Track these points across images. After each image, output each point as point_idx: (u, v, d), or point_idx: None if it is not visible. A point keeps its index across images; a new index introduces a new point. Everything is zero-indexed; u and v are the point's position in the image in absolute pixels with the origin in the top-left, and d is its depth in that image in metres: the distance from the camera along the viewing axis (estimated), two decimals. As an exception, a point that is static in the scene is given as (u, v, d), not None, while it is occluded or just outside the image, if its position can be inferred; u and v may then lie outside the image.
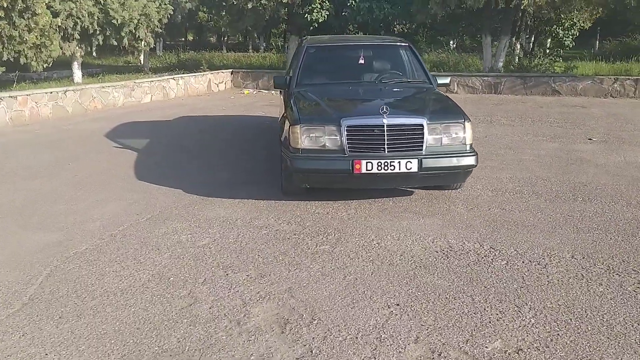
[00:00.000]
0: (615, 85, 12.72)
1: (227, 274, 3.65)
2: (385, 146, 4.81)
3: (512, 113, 11.10)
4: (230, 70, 16.20)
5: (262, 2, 14.07)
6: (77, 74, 14.02)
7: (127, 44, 14.26)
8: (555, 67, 14.98)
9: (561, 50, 16.70)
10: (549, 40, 18.27)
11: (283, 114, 5.68)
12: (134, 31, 13.92)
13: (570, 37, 16.84)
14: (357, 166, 4.76)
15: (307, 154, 4.88)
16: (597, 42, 24.88)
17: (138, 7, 13.64)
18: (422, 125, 4.86)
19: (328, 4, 13.88)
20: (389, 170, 4.77)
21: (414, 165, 4.77)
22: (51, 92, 10.82)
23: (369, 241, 4.22)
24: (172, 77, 14.30)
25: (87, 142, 8.24)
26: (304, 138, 4.88)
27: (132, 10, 13.46)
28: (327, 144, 4.87)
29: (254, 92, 15.25)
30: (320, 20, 13.93)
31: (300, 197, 5.30)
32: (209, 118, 10.66)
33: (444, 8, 13.14)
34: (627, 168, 6.43)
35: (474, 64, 16.07)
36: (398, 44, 6.76)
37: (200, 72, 15.58)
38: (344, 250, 4.05)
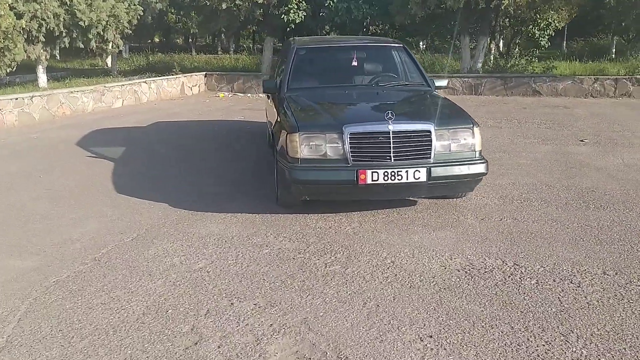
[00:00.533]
0: (596, 85, 12.69)
1: (232, 304, 3.25)
2: (392, 154, 4.49)
3: (497, 114, 10.92)
4: (204, 72, 15.70)
5: (236, 2, 13.61)
6: (42, 78, 13.33)
7: (94, 46, 13.62)
8: (533, 67, 14.93)
9: (537, 51, 16.68)
10: (518, 40, 18.21)
11: (277, 120, 5.30)
12: (102, 33, 13.30)
13: (546, 37, 16.84)
14: (362, 176, 4.42)
15: (307, 164, 4.52)
16: (565, 42, 25.12)
17: (106, 8, 13.04)
18: (429, 131, 4.55)
19: (305, 4, 13.51)
20: (395, 181, 4.45)
21: (422, 175, 4.46)
22: (16, 99, 10.19)
23: (382, 259, 3.88)
24: (143, 80, 13.74)
25: (57, 152, 7.70)
26: (304, 147, 4.52)
27: (99, 11, 12.85)
28: (328, 153, 4.52)
29: (230, 95, 14.79)
30: (297, 21, 13.55)
31: (298, 210, 4.93)
32: (187, 123, 10.18)
33: (424, 8, 12.93)
34: (628, 172, 6.24)
35: (450, 65, 15.92)
36: (392, 44, 6.46)
37: (173, 75, 15.03)
38: (357, 271, 3.70)
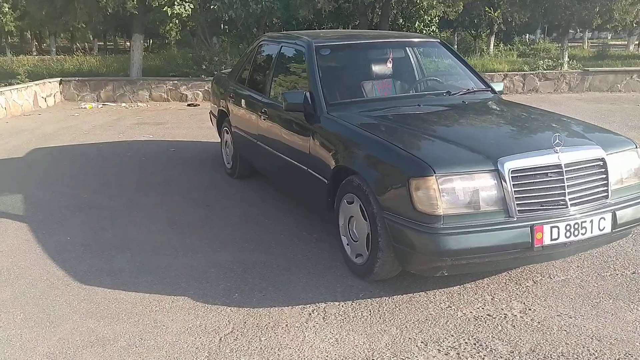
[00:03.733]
0: (505, 82, 12.42)
1: None
2: (567, 197, 3.08)
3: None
4: (59, 79, 12.64)
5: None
6: None
7: None
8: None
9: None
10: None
11: (334, 153, 3.62)
12: None
13: (430, 32, 16.56)
14: (538, 235, 2.99)
15: (455, 223, 2.94)
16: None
17: None
18: (603, 158, 3.25)
19: (193, -6, 11.38)
20: (579, 236, 3.07)
21: (607, 223, 3.17)
22: None
23: None
24: (-16, 92, 10.45)
25: None
26: (445, 196, 2.92)
27: None
28: (481, 202, 2.98)
29: (99, 106, 12.05)
30: (183, 15, 11.35)
31: (399, 288, 3.28)
32: (78, 149, 7.64)
33: (331, 2, 11.58)
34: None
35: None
36: (431, 40, 5.01)
37: (18, 82, 11.78)
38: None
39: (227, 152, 6.04)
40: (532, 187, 3.05)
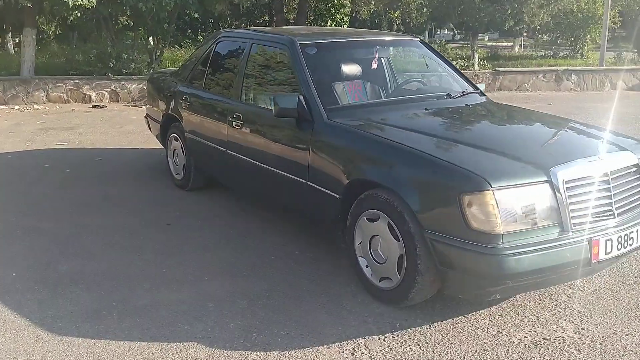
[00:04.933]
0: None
1: None
2: (614, 206, 2.95)
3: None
4: None
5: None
6: None
7: None
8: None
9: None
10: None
11: (346, 165, 3.25)
12: None
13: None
14: (595, 250, 2.82)
15: (513, 241, 2.68)
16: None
17: None
18: (637, 164, 3.17)
19: (97, -16, 10.31)
20: (627, 247, 2.96)
21: None
22: None
23: None
24: None
25: None
26: (503, 212, 2.65)
27: None
28: (537, 217, 2.74)
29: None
30: (86, 6, 10.27)
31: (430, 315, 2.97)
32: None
33: (249, -2, 11.05)
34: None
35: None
36: (414, 39, 4.74)
37: None
38: None
39: (177, 162, 5.38)
40: (583, 198, 2.85)
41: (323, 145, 3.49)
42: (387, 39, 4.75)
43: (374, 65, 4.30)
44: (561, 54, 18.31)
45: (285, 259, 3.82)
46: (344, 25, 15.30)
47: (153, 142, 7.09)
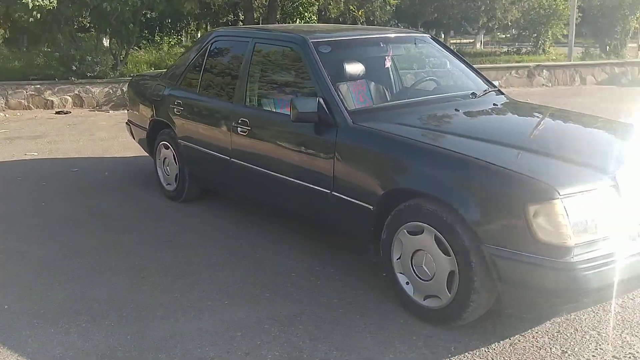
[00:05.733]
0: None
1: None
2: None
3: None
4: None
5: None
6: None
7: None
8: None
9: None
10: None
11: (381, 174, 2.98)
12: None
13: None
14: None
15: (585, 254, 2.46)
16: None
17: None
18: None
19: (58, -16, 9.68)
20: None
21: None
22: None
23: None
24: None
25: None
26: (574, 222, 2.43)
27: None
28: (607, 225, 2.53)
29: (-60, 118, 9.84)
30: (47, 7, 9.65)
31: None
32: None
33: (219, -4, 10.62)
34: None
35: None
36: (425, 35, 4.49)
37: None
38: None
39: (168, 171, 4.98)
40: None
41: (351, 152, 3.20)
42: (398, 35, 4.48)
43: (388, 64, 4.04)
44: (523, 50, 18.53)
45: (308, 275, 3.51)
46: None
47: (131, 150, 6.66)
